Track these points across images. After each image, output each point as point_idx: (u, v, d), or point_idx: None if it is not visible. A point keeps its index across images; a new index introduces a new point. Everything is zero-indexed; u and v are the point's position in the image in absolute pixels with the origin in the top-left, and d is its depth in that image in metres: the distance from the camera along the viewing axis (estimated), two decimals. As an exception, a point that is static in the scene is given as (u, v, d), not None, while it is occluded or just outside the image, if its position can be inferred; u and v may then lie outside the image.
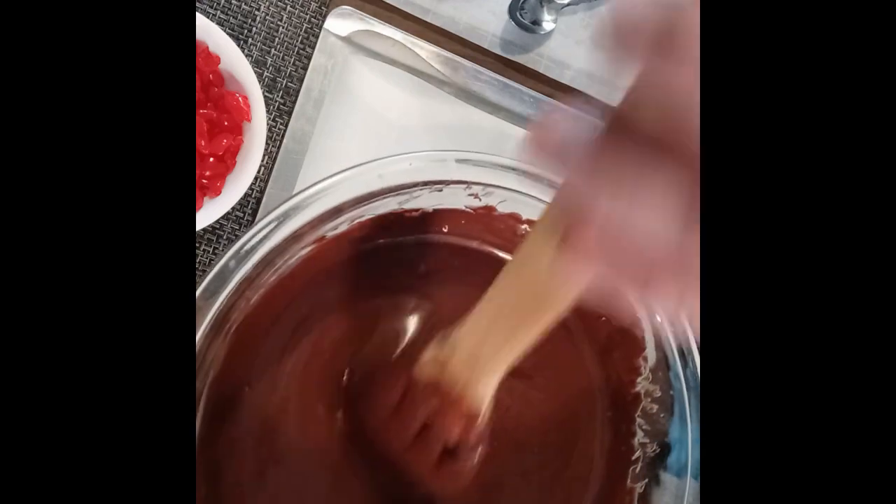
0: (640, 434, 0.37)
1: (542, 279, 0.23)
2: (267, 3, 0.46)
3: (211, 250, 0.45)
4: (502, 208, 0.37)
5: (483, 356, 0.28)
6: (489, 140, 0.50)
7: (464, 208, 0.37)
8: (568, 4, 0.50)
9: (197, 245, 0.44)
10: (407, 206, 0.36)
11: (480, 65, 0.49)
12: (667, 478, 0.50)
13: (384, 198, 0.34)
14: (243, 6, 0.46)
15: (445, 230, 0.38)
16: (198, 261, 0.44)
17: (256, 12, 0.46)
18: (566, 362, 0.38)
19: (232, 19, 0.45)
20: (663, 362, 0.34)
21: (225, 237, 0.45)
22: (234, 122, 0.41)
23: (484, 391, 0.29)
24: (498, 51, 0.50)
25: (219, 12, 0.45)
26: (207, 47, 0.40)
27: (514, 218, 0.37)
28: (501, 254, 0.39)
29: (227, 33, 0.41)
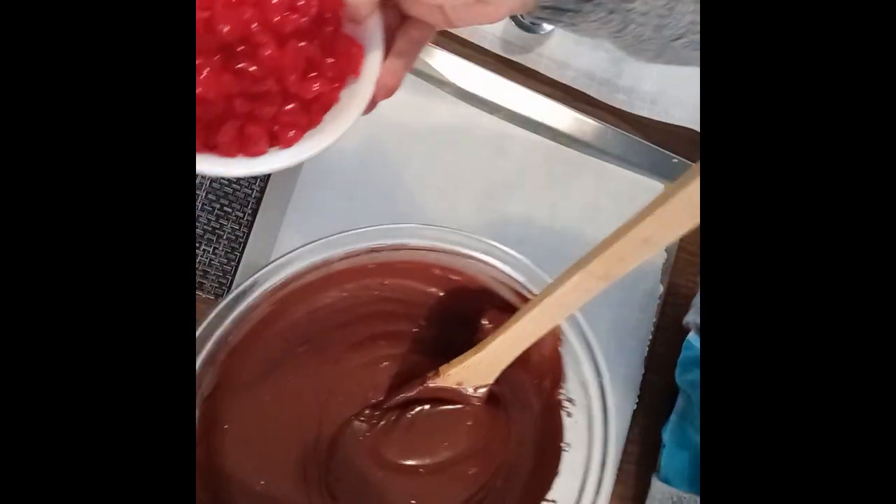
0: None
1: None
2: (267, 3, 0.46)
3: (211, 250, 0.44)
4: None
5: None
6: (489, 140, 0.50)
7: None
8: (568, 4, 0.50)
9: (197, 245, 0.44)
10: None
11: (480, 65, 0.49)
12: (656, 483, 0.50)
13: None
14: (243, 6, 0.46)
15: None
16: (198, 261, 0.44)
17: (256, 12, 0.46)
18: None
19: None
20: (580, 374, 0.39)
21: (225, 237, 0.45)
22: (339, 71, 0.32)
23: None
24: (498, 51, 0.50)
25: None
26: None
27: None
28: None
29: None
